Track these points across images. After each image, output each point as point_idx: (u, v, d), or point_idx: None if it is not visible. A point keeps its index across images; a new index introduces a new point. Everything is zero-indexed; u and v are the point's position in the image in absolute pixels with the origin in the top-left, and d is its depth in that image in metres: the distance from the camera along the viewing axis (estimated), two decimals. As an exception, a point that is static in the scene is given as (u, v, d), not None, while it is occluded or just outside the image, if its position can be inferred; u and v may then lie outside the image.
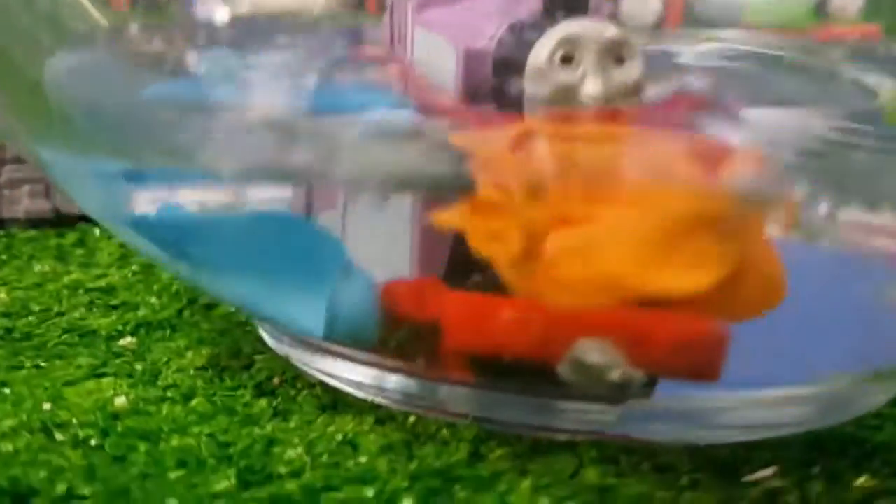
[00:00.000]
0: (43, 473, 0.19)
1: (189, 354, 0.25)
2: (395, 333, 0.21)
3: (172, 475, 0.19)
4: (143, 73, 0.23)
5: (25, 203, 0.34)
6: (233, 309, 0.27)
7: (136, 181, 0.22)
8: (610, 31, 0.23)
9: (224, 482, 0.19)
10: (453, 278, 0.20)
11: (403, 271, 0.21)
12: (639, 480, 0.20)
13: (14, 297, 0.28)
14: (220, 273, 0.22)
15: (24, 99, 0.24)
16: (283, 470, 0.19)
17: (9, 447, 0.20)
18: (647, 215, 0.18)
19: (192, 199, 0.21)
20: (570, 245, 0.18)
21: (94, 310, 0.27)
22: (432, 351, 0.20)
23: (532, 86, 0.23)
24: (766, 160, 0.19)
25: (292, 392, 0.23)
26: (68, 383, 0.23)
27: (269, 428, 0.21)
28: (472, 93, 0.25)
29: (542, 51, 0.23)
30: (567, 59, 0.23)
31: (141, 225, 0.22)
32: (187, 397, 0.22)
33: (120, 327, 0.26)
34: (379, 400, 0.22)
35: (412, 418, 0.22)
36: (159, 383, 0.23)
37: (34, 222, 0.34)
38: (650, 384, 0.20)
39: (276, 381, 0.23)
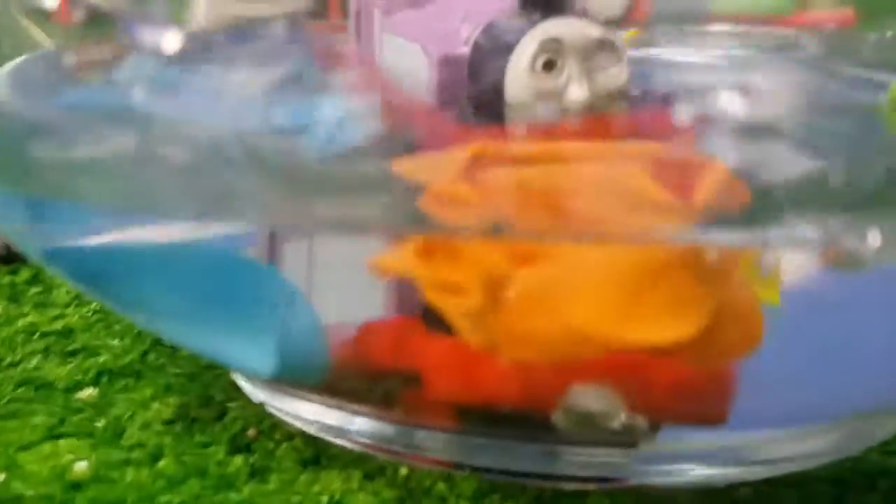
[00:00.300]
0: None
1: (155, 405, 0.23)
2: (373, 381, 0.19)
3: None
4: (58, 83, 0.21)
5: (-26, 238, 0.31)
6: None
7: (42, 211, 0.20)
8: (594, 31, 0.22)
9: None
10: (432, 318, 0.18)
11: (377, 310, 0.19)
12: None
13: (-37, 347, 0.26)
14: (151, 312, 0.20)
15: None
16: (263, 543, 0.17)
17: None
18: (617, 254, 0.16)
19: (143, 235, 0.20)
20: (534, 292, 0.16)
21: (51, 357, 0.25)
22: (413, 399, 0.18)
23: (513, 92, 0.22)
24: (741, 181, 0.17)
25: (270, 445, 0.21)
26: (23, 447, 0.21)
27: (246, 491, 0.19)
28: (449, 101, 0.23)
29: (523, 56, 0.21)
30: (550, 64, 0.21)
31: (53, 259, 0.19)
32: (154, 458, 0.20)
33: (79, 377, 0.24)
34: (364, 449, 0.20)
35: (404, 470, 0.20)
36: (123, 443, 0.21)
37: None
38: (655, 426, 0.18)
39: (251, 432, 0.21)
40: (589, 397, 0.17)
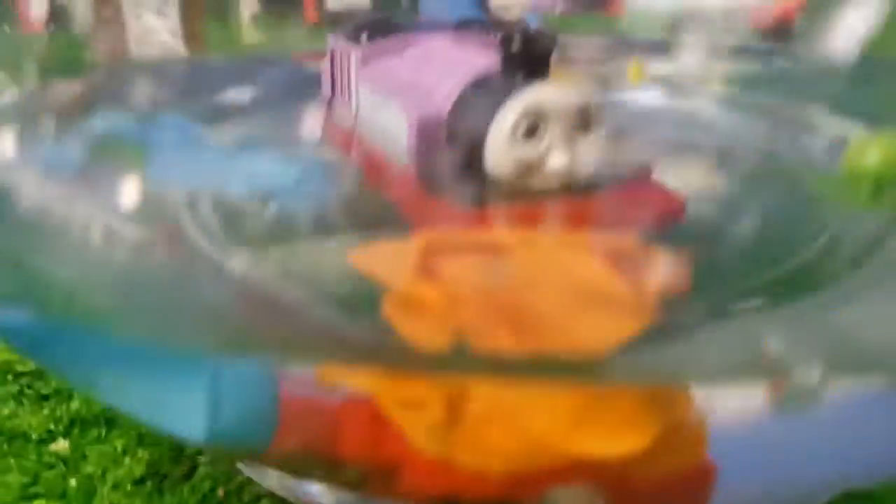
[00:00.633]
0: None
1: (126, 461, 0.23)
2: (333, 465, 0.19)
3: None
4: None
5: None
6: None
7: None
8: (577, 97, 0.22)
9: None
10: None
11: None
12: None
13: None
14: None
15: None
16: None
17: None
18: None
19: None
20: (494, 403, 0.16)
21: (24, 402, 0.25)
22: (381, 488, 0.18)
23: (493, 160, 0.21)
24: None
25: (239, 509, 0.21)
26: (-4, 507, 0.21)
27: (214, 561, 0.19)
28: (425, 164, 0.23)
29: (505, 123, 0.21)
30: (531, 131, 0.21)
31: None
32: (125, 522, 0.21)
33: (52, 426, 0.24)
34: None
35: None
36: (95, 504, 0.21)
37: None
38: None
39: (220, 493, 0.21)
40: (567, 500, 0.17)
